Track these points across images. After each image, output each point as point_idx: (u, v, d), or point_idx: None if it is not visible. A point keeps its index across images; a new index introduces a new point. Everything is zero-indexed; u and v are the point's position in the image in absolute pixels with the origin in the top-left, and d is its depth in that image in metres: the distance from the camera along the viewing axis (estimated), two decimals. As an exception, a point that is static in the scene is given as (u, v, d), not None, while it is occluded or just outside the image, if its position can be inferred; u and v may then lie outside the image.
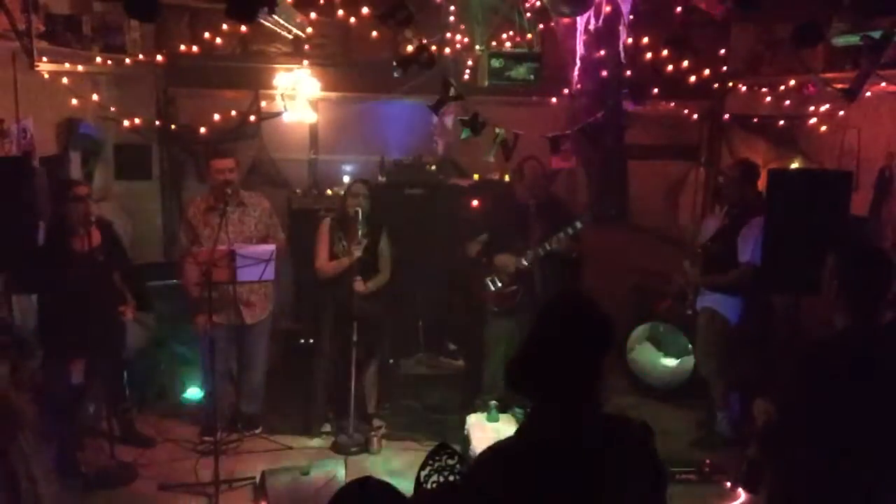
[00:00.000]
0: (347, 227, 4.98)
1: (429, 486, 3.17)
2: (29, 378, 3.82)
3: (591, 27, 4.71)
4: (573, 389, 1.84)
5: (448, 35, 5.41)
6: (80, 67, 4.98)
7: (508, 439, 1.92)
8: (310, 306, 5.50)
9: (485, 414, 4.72)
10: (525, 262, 5.02)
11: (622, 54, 4.61)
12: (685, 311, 5.27)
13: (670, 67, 5.30)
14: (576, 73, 4.94)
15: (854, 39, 4.31)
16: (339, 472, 4.33)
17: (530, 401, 1.92)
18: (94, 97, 5.35)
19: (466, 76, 5.76)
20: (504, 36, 5.65)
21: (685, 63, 5.31)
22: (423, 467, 3.22)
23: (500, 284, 5.13)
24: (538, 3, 4.95)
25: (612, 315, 1.90)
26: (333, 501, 1.87)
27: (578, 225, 4.91)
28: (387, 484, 1.95)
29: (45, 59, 4.46)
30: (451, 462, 3.20)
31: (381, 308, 5.13)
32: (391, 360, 5.76)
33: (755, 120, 6.00)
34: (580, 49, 4.78)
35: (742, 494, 4.31)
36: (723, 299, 4.90)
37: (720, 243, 4.93)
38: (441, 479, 3.17)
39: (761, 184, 4.92)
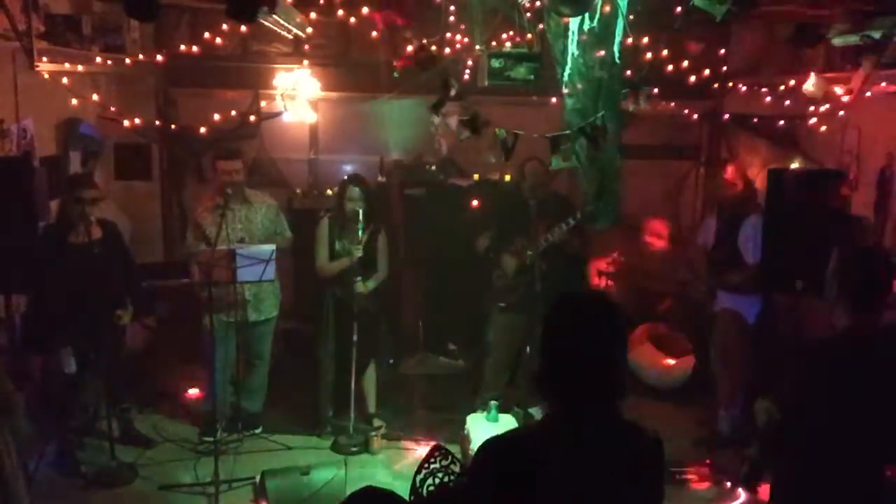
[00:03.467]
0: (345, 226, 4.99)
1: (425, 489, 3.16)
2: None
3: (587, 27, 4.68)
4: (590, 391, 1.79)
5: (448, 35, 5.40)
6: (80, 67, 4.97)
7: (515, 429, 1.88)
8: (310, 306, 5.50)
9: (485, 414, 4.72)
10: (528, 259, 5.04)
11: (617, 54, 4.58)
12: (690, 309, 5.29)
13: (670, 67, 5.29)
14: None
15: (854, 39, 4.31)
16: (339, 472, 4.33)
17: (553, 405, 1.85)
18: (94, 97, 5.34)
19: (466, 76, 5.76)
20: (504, 36, 5.63)
21: (685, 63, 5.30)
22: (418, 472, 3.22)
23: (507, 279, 5.17)
24: (538, 3, 4.94)
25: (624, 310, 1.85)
26: None
27: (571, 221, 4.92)
28: (389, 491, 1.94)
29: (45, 59, 4.45)
30: (444, 462, 3.20)
31: (380, 307, 5.13)
32: (391, 360, 5.76)
33: (755, 120, 5.99)
34: (574, 49, 4.75)
35: (742, 494, 4.32)
36: (741, 300, 4.93)
37: (720, 248, 4.97)
38: (436, 480, 3.16)
39: (761, 183, 4.93)
